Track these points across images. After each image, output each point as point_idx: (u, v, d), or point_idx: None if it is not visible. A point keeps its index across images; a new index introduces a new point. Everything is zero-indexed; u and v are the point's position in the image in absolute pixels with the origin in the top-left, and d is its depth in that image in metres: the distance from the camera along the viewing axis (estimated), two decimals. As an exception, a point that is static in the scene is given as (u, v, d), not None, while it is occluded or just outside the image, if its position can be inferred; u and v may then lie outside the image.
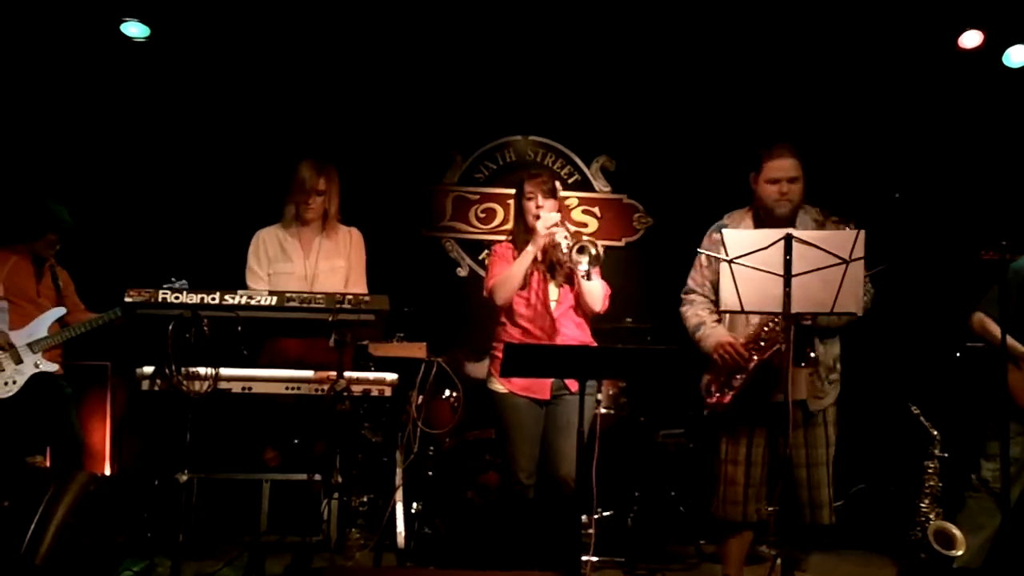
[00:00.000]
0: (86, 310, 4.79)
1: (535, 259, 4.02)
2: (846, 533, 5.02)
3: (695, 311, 3.94)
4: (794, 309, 3.45)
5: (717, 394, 3.82)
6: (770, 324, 3.69)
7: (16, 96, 5.48)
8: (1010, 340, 4.28)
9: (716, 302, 3.83)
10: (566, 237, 3.93)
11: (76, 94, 5.65)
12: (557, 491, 3.95)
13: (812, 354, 3.67)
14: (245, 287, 4.23)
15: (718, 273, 3.75)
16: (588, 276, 3.87)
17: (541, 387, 4.00)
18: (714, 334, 3.82)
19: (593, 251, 3.83)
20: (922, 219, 4.69)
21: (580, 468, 3.57)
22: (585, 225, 6.24)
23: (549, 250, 4.04)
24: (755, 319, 3.75)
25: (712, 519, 3.92)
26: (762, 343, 3.71)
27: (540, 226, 3.93)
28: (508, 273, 4.01)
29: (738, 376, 3.76)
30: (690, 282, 4.00)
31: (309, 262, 4.32)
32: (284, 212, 4.38)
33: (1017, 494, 4.23)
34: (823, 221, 3.82)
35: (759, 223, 3.85)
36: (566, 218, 4.14)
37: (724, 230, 3.60)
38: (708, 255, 3.87)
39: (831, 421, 3.85)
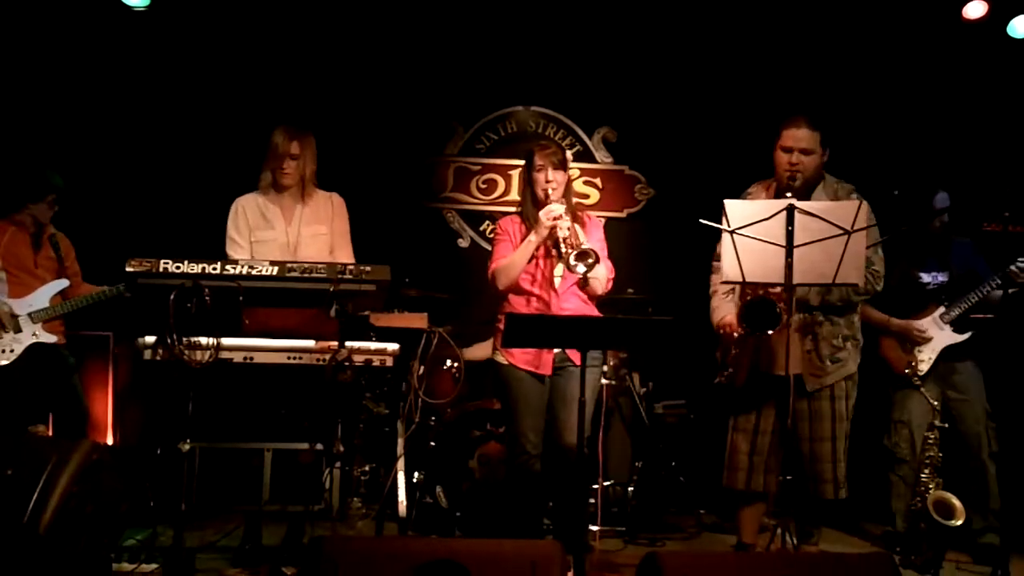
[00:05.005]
0: (83, 281, 4.78)
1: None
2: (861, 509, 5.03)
3: (713, 281, 4.02)
4: (796, 280, 3.46)
5: (728, 370, 3.84)
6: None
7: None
8: (871, 310, 4.37)
9: None
10: (569, 229, 3.84)
11: (66, 62, 5.60)
12: (562, 461, 3.95)
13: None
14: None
15: None
16: (585, 281, 3.80)
17: (545, 364, 3.98)
18: (719, 309, 3.83)
19: (591, 260, 3.75)
20: (921, 190, 4.66)
21: (581, 438, 3.56)
22: (587, 196, 6.21)
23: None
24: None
25: (720, 490, 3.96)
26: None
27: (543, 216, 3.85)
28: (511, 261, 3.96)
29: (733, 350, 3.77)
30: (717, 248, 3.98)
31: (291, 229, 4.27)
32: (261, 179, 4.31)
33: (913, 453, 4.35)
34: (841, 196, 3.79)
35: (779, 195, 3.80)
36: (569, 190, 4.10)
37: (725, 200, 3.58)
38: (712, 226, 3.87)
39: (840, 396, 3.84)
